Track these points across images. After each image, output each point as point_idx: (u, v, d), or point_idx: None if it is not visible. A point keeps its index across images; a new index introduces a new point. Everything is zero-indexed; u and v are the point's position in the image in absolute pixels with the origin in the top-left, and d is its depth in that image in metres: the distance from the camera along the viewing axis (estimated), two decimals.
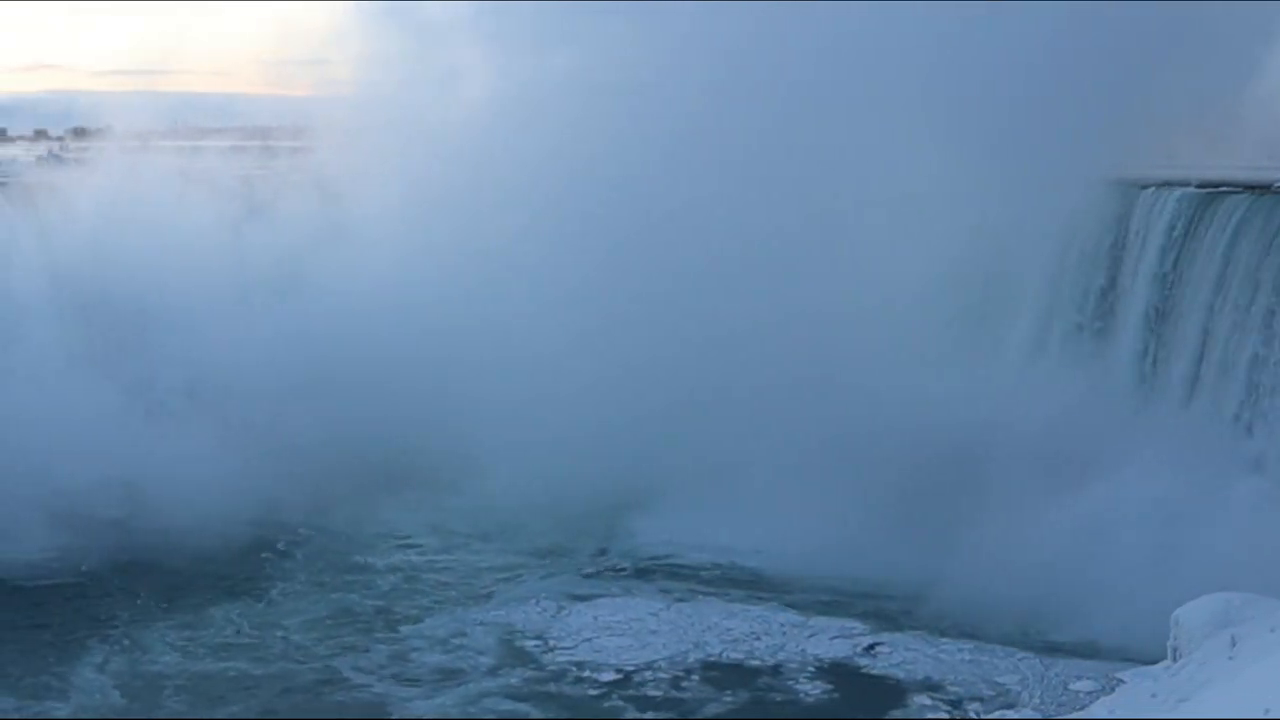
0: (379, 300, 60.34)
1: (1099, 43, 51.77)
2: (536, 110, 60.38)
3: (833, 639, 43.92)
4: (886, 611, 45.90)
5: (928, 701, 39.71)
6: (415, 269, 60.87)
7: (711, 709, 39.45)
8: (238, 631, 44.59)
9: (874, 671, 41.79)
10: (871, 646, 43.30)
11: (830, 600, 47.02)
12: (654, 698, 40.03)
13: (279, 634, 44.40)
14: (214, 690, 40.28)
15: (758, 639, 44.02)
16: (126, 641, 43.43)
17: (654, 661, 42.34)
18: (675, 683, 40.99)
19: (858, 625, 44.94)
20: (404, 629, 45.05)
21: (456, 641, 43.88)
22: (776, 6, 55.48)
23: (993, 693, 40.01)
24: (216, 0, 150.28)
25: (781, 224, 54.85)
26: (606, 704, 39.72)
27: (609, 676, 41.22)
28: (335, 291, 61.61)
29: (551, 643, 43.69)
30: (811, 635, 44.23)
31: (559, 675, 41.41)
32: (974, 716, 38.00)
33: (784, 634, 44.38)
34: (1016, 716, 37.14)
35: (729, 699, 40.07)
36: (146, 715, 38.96)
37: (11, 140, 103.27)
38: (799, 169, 54.95)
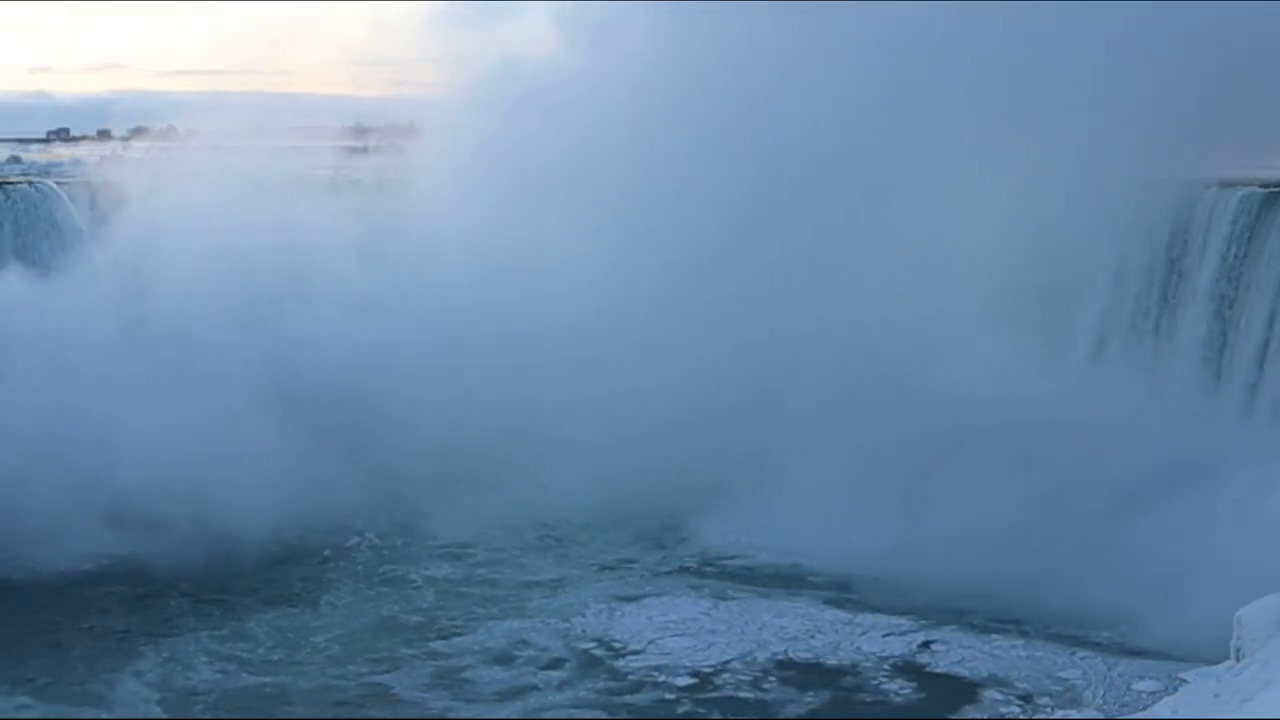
0: (447, 302, 60.57)
1: (1160, 43, 51.57)
2: (604, 114, 60.40)
3: (885, 636, 43.94)
4: (941, 610, 45.83)
5: (999, 696, 39.77)
6: (481, 271, 60.91)
7: (794, 710, 39.14)
8: (284, 643, 43.72)
9: (938, 669, 41.77)
10: (926, 644, 43.33)
11: (881, 599, 46.98)
12: (743, 700, 39.66)
13: (328, 645, 43.57)
14: (255, 705, 39.42)
15: (812, 637, 43.96)
16: (168, 653, 42.72)
17: (727, 662, 42.00)
18: (755, 684, 40.63)
19: (905, 623, 44.99)
20: (457, 639, 44.19)
21: (516, 652, 43.03)
22: (841, 5, 55.68)
23: (1059, 688, 40.03)
24: (283, 0, 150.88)
25: (842, 226, 54.76)
26: (694, 710, 39.07)
27: (685, 680, 40.72)
28: (404, 293, 62.01)
29: (616, 647, 43.18)
30: (863, 633, 44.21)
31: (637, 684, 40.65)
32: (1046, 714, 37.91)
33: (836, 631, 44.36)
34: (1080, 717, 37.08)
35: (811, 699, 39.78)
36: None
37: (75, 140, 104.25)
38: (857, 171, 54.78)
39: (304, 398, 56.15)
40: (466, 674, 41.48)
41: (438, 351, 58.08)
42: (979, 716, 38.64)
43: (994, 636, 43.63)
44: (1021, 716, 38.36)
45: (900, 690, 40.36)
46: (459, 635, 44.45)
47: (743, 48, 58.56)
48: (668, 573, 50.46)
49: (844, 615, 45.74)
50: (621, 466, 53.60)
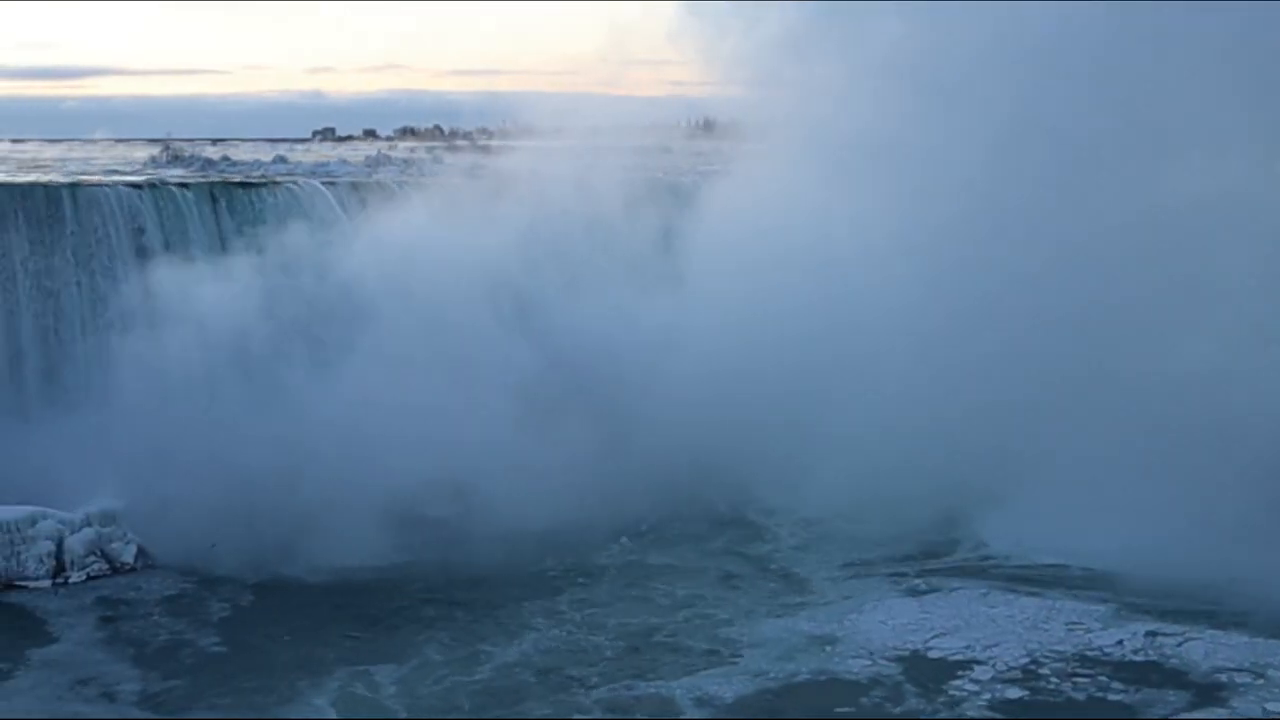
0: (720, 303, 59.54)
1: None
2: (876, 124, 58.97)
3: (1104, 629, 42.57)
4: (1228, 613, 43.76)
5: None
6: (757, 276, 59.59)
7: (1160, 710, 37.44)
8: (519, 671, 40.75)
9: (1201, 663, 40.25)
10: (1152, 634, 42.09)
11: (1148, 599, 44.91)
12: (1110, 702, 37.87)
13: (560, 677, 40.21)
14: None
15: (1040, 629, 42.71)
16: (353, 682, 39.97)
17: (1034, 654, 40.61)
18: (1096, 684, 38.92)
19: (1100, 610, 44.05)
20: (728, 653, 41.41)
21: (811, 665, 40.55)
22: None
23: None
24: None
25: (1121, 210, 52.53)
26: (1028, 710, 37.52)
27: (1016, 693, 38.46)
28: (677, 292, 61.29)
29: (900, 656, 41.03)
30: (1071, 622, 43.10)
31: (963, 697, 38.36)
32: None
33: (1053, 622, 43.18)
34: None
35: (1173, 699, 38.04)
36: None
37: (341, 140, 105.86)
38: (1136, 151, 52.82)
39: (573, 391, 55.82)
40: (744, 689, 38.88)
41: (714, 349, 57.16)
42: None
43: (1210, 631, 42.29)
44: None
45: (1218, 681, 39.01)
46: (732, 649, 41.80)
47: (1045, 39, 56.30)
48: (915, 574, 48.42)
49: (1042, 603, 44.77)
50: (891, 464, 52.06)
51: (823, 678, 39.62)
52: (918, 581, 47.43)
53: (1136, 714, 37.17)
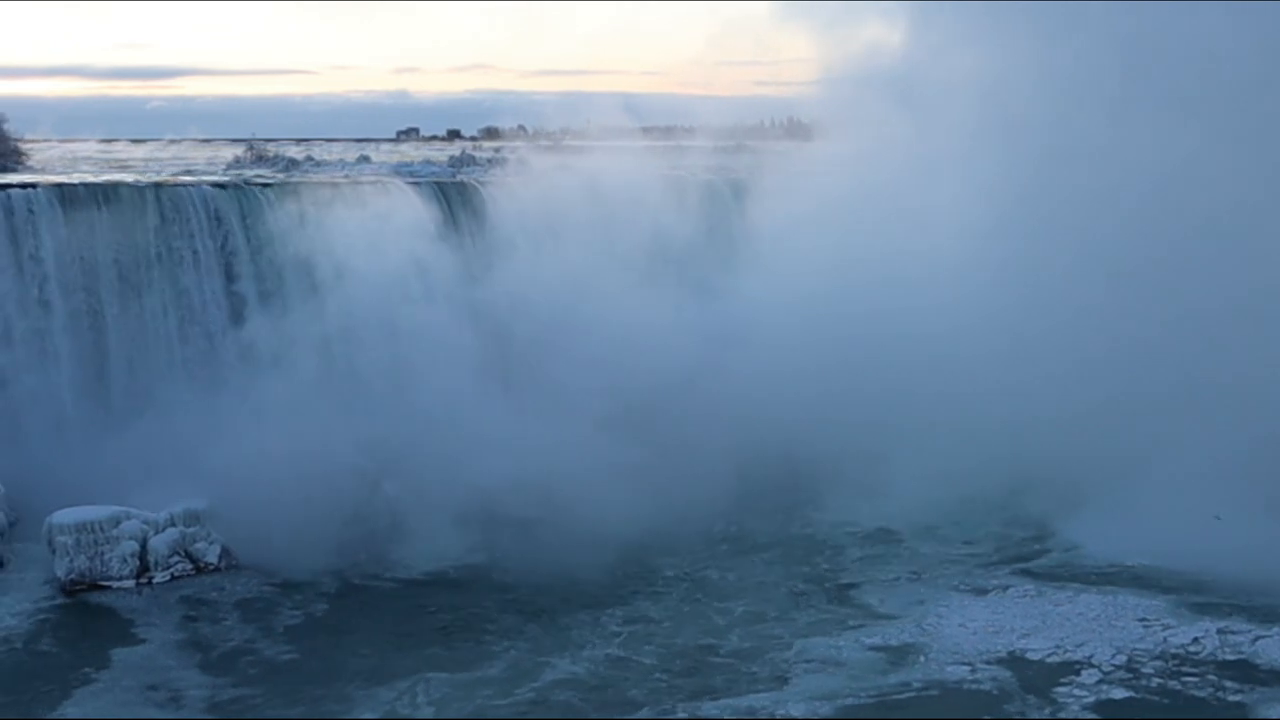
0: (794, 297, 58.92)
1: None
2: (986, 114, 58.48)
3: (1179, 626, 42.11)
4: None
5: None
6: (839, 269, 59.26)
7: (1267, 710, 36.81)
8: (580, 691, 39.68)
9: None
10: (1220, 632, 41.62)
11: (1218, 596, 44.57)
12: (1220, 702, 37.29)
13: (607, 696, 39.06)
14: None
15: (1113, 627, 42.13)
16: (416, 687, 39.34)
17: (1126, 653, 40.00)
18: (1209, 682, 38.36)
19: (1160, 605, 43.89)
20: (796, 672, 40.11)
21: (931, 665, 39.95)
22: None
23: None
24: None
25: (1214, 222, 51.87)
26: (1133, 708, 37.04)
27: (1121, 694, 37.80)
28: (752, 292, 60.77)
29: (998, 657, 40.40)
30: (1142, 620, 42.62)
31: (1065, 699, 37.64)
32: None
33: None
34: None
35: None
36: None
37: (425, 140, 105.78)
38: (1260, 139, 52.09)
39: (656, 391, 55.07)
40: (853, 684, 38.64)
41: (795, 355, 56.42)
42: None
43: (1277, 628, 41.96)
44: None
45: None
46: (810, 658, 40.91)
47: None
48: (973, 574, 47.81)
49: (1105, 600, 44.28)
50: (975, 467, 51.78)
51: (933, 691, 38.60)
52: (960, 580, 46.86)
53: (1257, 714, 36.55)
